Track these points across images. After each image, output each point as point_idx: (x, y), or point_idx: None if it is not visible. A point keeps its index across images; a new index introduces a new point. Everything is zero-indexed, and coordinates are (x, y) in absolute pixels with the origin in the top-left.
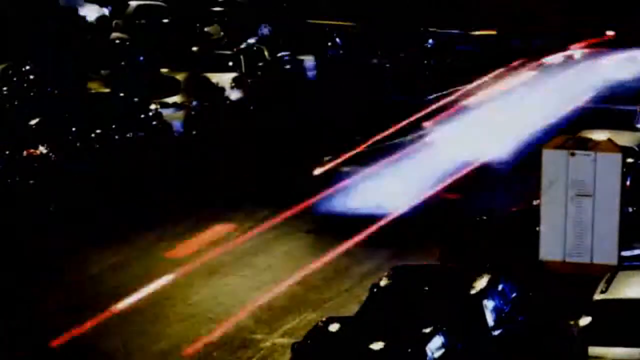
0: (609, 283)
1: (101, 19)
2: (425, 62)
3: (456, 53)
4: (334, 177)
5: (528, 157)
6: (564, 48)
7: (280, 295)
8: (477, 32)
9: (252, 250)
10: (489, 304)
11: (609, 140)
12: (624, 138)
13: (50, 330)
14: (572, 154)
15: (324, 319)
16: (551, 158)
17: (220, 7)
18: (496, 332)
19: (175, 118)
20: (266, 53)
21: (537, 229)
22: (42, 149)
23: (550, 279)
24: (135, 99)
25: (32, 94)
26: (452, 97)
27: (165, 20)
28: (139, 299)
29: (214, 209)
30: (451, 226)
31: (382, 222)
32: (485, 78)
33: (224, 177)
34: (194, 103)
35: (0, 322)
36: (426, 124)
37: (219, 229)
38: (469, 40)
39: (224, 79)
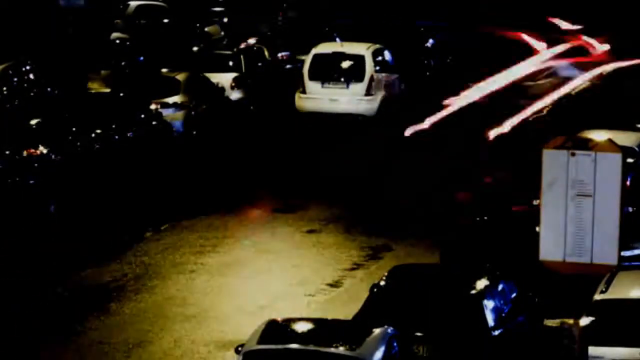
0: (609, 283)
1: None
2: (426, 62)
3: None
4: None
5: None
6: None
7: None
8: None
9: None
10: (489, 304)
11: (609, 140)
12: (624, 138)
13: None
14: (572, 154)
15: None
16: (551, 158)
17: (220, 7)
18: (496, 332)
19: (175, 118)
20: (266, 53)
21: (537, 229)
22: (42, 149)
23: (550, 279)
24: (135, 99)
25: (32, 94)
26: None
27: (165, 20)
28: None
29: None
30: (452, 226)
31: None
32: None
33: (224, 178)
34: None
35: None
36: None
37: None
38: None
39: (224, 79)
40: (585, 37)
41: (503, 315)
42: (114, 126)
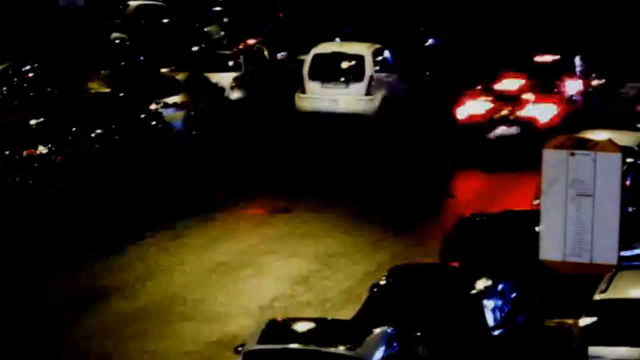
0: (609, 283)
1: None
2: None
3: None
4: None
5: None
6: None
7: None
8: None
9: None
10: (489, 304)
11: (609, 140)
12: (624, 138)
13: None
14: (572, 154)
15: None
16: (551, 158)
17: (220, 7)
18: (496, 332)
19: (175, 118)
20: (266, 53)
21: (537, 229)
22: (42, 149)
23: (550, 279)
24: (135, 99)
25: (32, 94)
26: None
27: (165, 20)
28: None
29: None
30: (451, 226)
31: None
32: None
33: (224, 178)
34: None
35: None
36: None
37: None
38: None
39: (224, 79)
40: None
41: (503, 315)
42: (114, 126)
